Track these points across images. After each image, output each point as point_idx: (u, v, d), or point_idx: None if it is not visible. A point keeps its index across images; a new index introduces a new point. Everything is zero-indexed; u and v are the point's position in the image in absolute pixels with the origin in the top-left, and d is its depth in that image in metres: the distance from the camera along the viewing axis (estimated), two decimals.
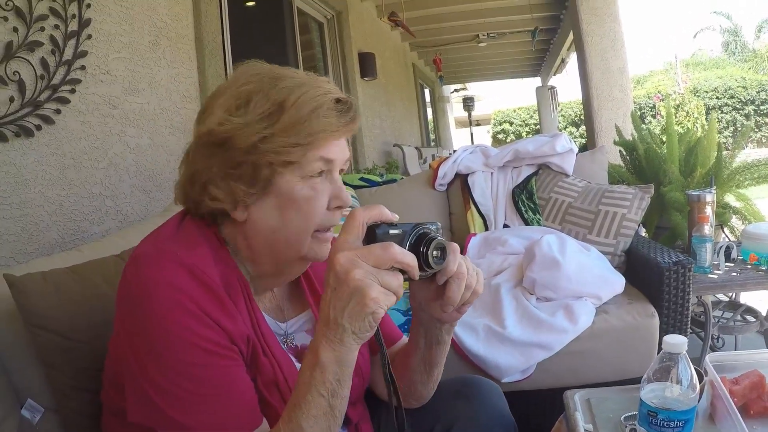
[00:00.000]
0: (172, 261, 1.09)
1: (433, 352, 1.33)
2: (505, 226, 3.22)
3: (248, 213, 1.19)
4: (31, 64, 2.23)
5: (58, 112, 2.32)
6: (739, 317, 3.20)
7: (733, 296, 3.48)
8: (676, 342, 1.15)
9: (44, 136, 2.27)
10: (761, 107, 19.64)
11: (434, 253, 1.02)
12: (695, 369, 1.22)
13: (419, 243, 1.02)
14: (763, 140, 19.56)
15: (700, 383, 1.45)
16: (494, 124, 26.96)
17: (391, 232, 1.01)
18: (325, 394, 1.01)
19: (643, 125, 4.05)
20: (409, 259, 0.97)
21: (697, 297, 2.78)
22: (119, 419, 1.14)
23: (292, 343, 1.34)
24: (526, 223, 3.12)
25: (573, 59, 10.98)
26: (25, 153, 2.20)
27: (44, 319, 1.47)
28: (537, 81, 18.04)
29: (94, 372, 1.35)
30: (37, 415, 1.49)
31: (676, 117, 13.14)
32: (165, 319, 1.04)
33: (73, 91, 2.39)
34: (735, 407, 1.28)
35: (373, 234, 0.99)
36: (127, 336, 1.10)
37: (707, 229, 2.78)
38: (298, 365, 1.27)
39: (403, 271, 0.98)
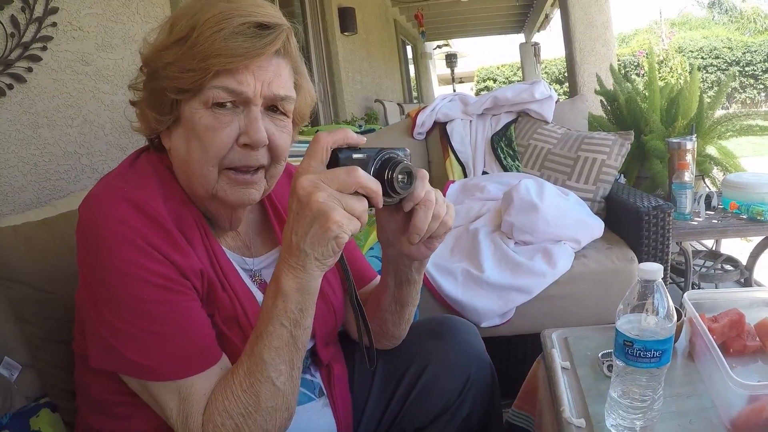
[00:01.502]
0: (119, 198, 1.06)
1: (403, 291, 1.30)
2: (484, 173, 3.19)
3: (171, 141, 1.15)
4: (1, 23, 2.16)
5: (29, 70, 2.26)
6: (719, 266, 3.21)
7: (714, 246, 3.49)
8: (651, 269, 1.11)
9: (16, 95, 2.22)
10: (746, 68, 19.71)
11: (400, 177, 0.99)
12: (674, 307, 1.19)
13: (384, 168, 0.99)
14: (747, 101, 19.63)
15: (678, 321, 1.43)
16: (478, 81, 26.89)
17: (355, 156, 0.97)
18: (287, 324, 0.99)
19: (627, 84, 4.00)
20: (373, 185, 0.94)
21: (677, 243, 2.78)
22: (88, 367, 1.11)
23: (261, 280, 1.30)
24: (505, 169, 3.09)
25: (557, 15, 10.90)
26: None
27: (15, 271, 1.45)
28: (520, 38, 17.94)
29: (66, 323, 1.33)
30: (15, 372, 1.47)
31: (659, 72, 13.11)
32: (114, 255, 1.01)
33: (44, 48, 2.32)
34: (715, 344, 1.27)
35: (336, 158, 0.96)
36: (84, 279, 1.08)
37: (687, 176, 2.76)
38: None
39: (367, 199, 0.95)
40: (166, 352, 1.03)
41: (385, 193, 0.98)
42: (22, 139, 2.23)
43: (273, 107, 1.14)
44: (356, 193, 0.93)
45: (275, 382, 1.01)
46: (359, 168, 0.93)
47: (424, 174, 1.05)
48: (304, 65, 1.23)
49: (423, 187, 1.04)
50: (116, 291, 1.02)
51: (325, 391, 1.37)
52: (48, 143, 2.34)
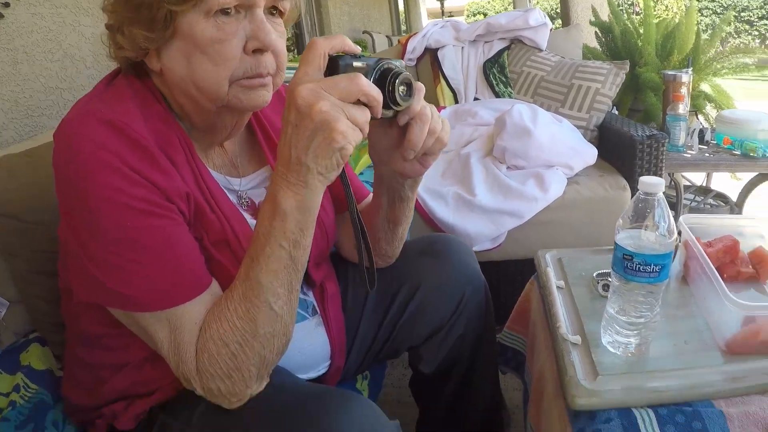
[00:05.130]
0: (95, 120, 0.98)
1: (396, 209, 1.26)
2: (476, 99, 3.16)
3: (161, 61, 1.06)
4: None
5: (6, 5, 2.17)
6: (709, 202, 3.21)
7: (704, 182, 3.48)
8: (653, 182, 1.08)
9: None
10: (742, 14, 19.51)
11: (401, 88, 0.94)
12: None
13: (384, 78, 0.94)
14: (742, 47, 19.47)
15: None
16: (468, 16, 26.56)
17: (355, 64, 0.92)
18: (286, 245, 0.94)
19: (624, 16, 3.94)
20: (376, 93, 0.88)
21: (669, 176, 2.77)
22: (74, 301, 1.07)
23: (248, 200, 1.24)
24: (498, 96, 3.06)
25: None
26: None
27: None
28: None
29: (53, 255, 1.27)
30: (3, 310, 1.44)
31: (655, 11, 13.02)
32: (92, 181, 0.94)
33: None
34: (712, 266, 1.25)
35: (336, 65, 0.90)
36: (63, 209, 1.02)
37: (682, 109, 2.74)
38: (253, 222, 1.18)
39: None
40: (152, 281, 0.97)
41: (384, 105, 0.93)
42: (1, 76, 2.16)
43: (272, 8, 1.06)
44: (357, 102, 0.87)
45: (273, 307, 0.97)
46: (361, 75, 0.87)
47: (421, 87, 1.00)
48: None
49: (419, 101, 0.99)
50: (96, 219, 0.95)
51: (318, 310, 1.34)
52: (28, 79, 2.28)
